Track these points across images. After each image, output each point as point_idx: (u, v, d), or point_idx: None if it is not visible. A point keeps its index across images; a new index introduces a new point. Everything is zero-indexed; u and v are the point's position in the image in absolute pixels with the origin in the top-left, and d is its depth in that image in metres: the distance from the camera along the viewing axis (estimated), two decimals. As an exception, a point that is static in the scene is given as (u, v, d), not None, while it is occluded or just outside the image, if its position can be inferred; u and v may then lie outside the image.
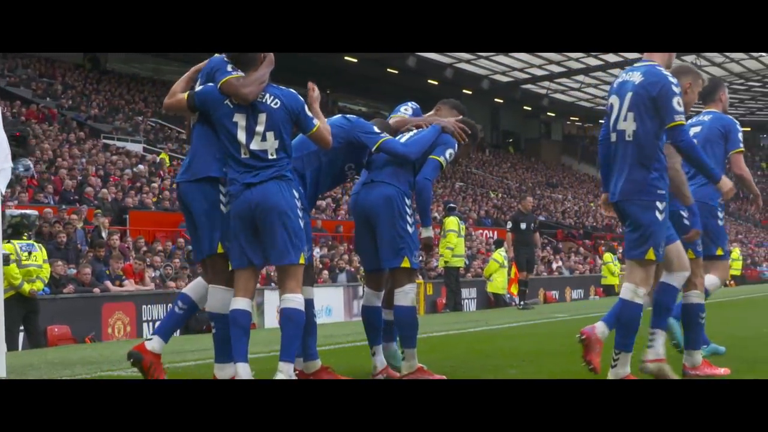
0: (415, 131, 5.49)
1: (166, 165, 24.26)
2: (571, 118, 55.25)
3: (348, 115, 5.44)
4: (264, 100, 4.74)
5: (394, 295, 5.29)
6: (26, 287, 10.94)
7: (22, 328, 11.25)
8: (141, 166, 22.57)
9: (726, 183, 5.12)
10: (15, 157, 5.97)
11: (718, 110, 5.99)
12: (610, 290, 23.34)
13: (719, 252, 5.90)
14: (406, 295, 5.22)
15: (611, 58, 38.61)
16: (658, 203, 4.65)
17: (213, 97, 4.74)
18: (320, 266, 18.41)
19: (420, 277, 17.92)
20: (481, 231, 29.26)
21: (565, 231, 35.90)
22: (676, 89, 4.66)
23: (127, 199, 19.14)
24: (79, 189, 18.58)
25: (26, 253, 11.05)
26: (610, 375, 4.71)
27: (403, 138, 5.43)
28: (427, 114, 5.77)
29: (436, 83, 38.86)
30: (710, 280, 6.00)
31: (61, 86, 29.74)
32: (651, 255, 4.67)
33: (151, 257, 15.81)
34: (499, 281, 19.97)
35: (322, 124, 4.86)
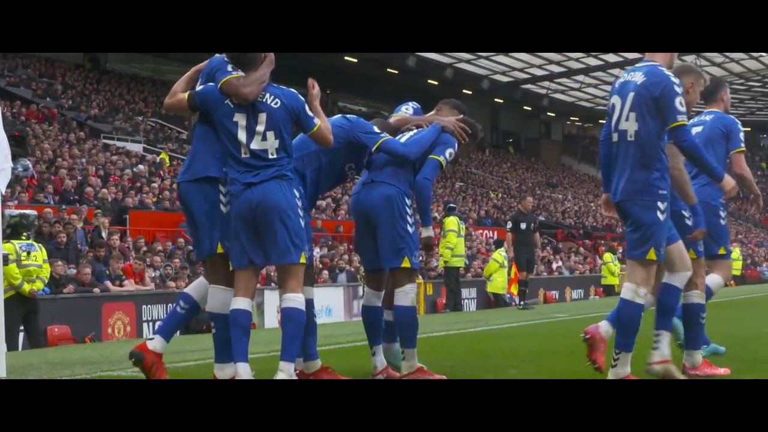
0: (415, 131, 5.49)
1: (166, 165, 24.27)
2: (571, 118, 55.26)
3: (348, 115, 5.44)
4: (264, 100, 4.74)
5: (394, 295, 5.29)
6: (26, 287, 10.95)
7: (22, 328, 11.26)
8: (141, 166, 22.58)
9: (729, 181, 5.12)
10: (14, 157, 5.96)
11: (720, 110, 5.99)
12: (610, 290, 23.35)
13: (722, 251, 5.92)
14: (407, 295, 5.22)
15: (611, 58, 38.61)
16: (659, 203, 4.66)
17: (213, 97, 4.74)
18: (320, 266, 18.41)
19: (420, 277, 17.93)
20: (481, 231, 29.26)
21: (565, 231, 35.91)
22: (679, 89, 4.66)
23: (127, 199, 19.14)
24: (79, 189, 18.58)
25: (25, 253, 11.05)
26: (611, 375, 4.71)
27: (403, 138, 5.42)
28: (428, 114, 5.77)
29: (436, 83, 38.86)
30: (713, 279, 6.00)
31: (61, 86, 29.74)
32: (652, 255, 4.67)
33: (151, 257, 15.81)
34: (499, 281, 19.97)
35: (323, 123, 4.86)
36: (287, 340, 4.65)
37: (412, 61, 35.74)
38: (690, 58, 33.49)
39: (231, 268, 4.79)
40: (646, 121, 4.67)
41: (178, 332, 5.28)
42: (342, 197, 25.62)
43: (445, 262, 17.01)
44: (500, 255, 19.65)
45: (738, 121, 5.99)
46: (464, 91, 39.32)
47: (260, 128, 4.71)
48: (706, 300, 5.88)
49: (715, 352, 6.26)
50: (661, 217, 4.66)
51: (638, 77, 4.74)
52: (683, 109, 4.65)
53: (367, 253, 5.39)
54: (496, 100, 47.50)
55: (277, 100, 4.76)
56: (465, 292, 20.15)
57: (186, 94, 4.84)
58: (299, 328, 4.69)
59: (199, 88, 4.86)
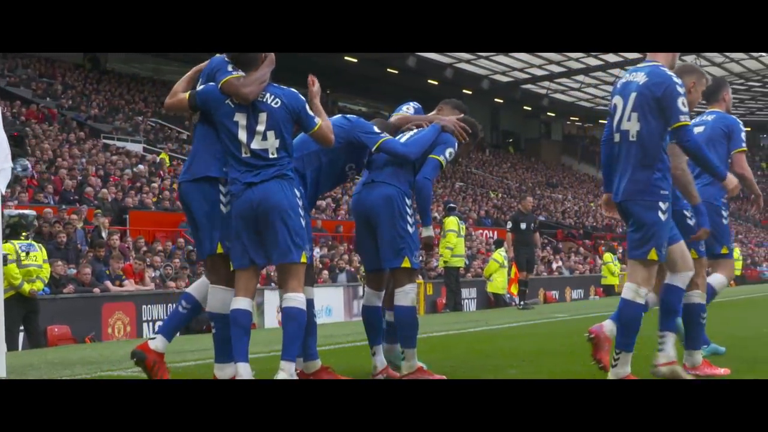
0: (415, 131, 5.50)
1: (166, 165, 24.27)
2: (571, 118, 55.27)
3: (348, 115, 5.44)
4: (265, 100, 4.74)
5: (394, 295, 5.29)
6: (26, 287, 10.95)
7: (22, 328, 11.25)
8: (141, 166, 22.58)
9: (731, 180, 5.13)
10: (13, 157, 5.97)
11: (722, 110, 6.00)
12: (610, 290, 23.35)
13: (724, 251, 5.93)
14: (407, 295, 5.22)
15: (611, 58, 38.61)
16: (660, 203, 4.66)
17: (214, 97, 4.74)
18: (320, 266, 18.41)
19: (420, 277, 17.93)
20: (481, 231, 29.26)
21: (565, 231, 35.90)
22: (681, 89, 4.67)
23: (127, 199, 19.14)
24: (79, 189, 18.59)
25: (24, 253, 11.05)
26: (611, 375, 4.71)
27: (403, 138, 5.43)
28: (429, 114, 5.77)
29: (436, 83, 38.87)
30: (716, 279, 6.01)
31: (61, 86, 29.74)
32: (653, 255, 4.67)
33: (151, 257, 15.81)
34: (499, 281, 19.96)
35: (323, 122, 4.86)
36: (288, 340, 4.65)
37: (412, 61, 35.74)
38: (690, 58, 33.48)
39: (231, 269, 4.79)
40: (648, 122, 4.67)
41: (178, 332, 5.28)
42: (342, 197, 25.62)
43: (445, 262, 17.01)
44: (500, 255, 19.65)
45: (740, 121, 6.00)
46: (464, 91, 39.33)
47: (260, 128, 4.71)
48: (710, 300, 5.90)
49: (715, 352, 6.26)
50: (662, 217, 4.66)
51: (640, 77, 4.75)
52: (685, 109, 4.66)
53: (368, 253, 5.39)
54: (496, 100, 47.50)
55: (277, 99, 4.76)
56: (465, 292, 20.15)
57: (187, 94, 4.85)
58: (300, 327, 4.69)
59: (199, 88, 4.87)
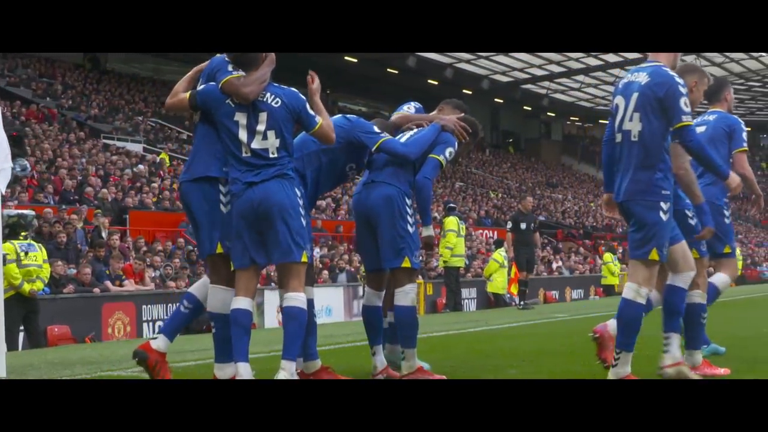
0: (415, 130, 5.50)
1: (166, 165, 24.27)
2: (571, 118, 55.26)
3: (348, 115, 5.44)
4: (265, 99, 4.74)
5: (394, 295, 5.29)
6: (26, 287, 10.95)
7: (22, 328, 11.25)
8: (141, 166, 22.58)
9: (734, 179, 5.14)
10: (12, 157, 5.97)
11: (723, 110, 6.01)
12: (610, 290, 23.36)
13: (727, 250, 5.94)
14: (407, 294, 5.22)
15: (611, 58, 38.62)
16: (662, 203, 4.66)
17: (214, 97, 4.75)
18: (320, 266, 18.41)
19: (420, 277, 17.93)
20: (481, 231, 29.26)
21: (565, 231, 35.90)
22: (683, 90, 4.67)
23: (127, 199, 19.14)
24: (79, 189, 18.59)
25: (24, 253, 11.05)
26: (611, 375, 4.71)
27: (403, 138, 5.43)
28: (430, 113, 5.77)
29: (436, 83, 38.87)
30: (720, 278, 6.01)
31: (61, 86, 29.74)
32: (654, 255, 4.67)
33: (151, 257, 15.81)
34: (499, 281, 19.96)
35: (324, 121, 4.86)
36: (289, 339, 4.65)
37: (412, 61, 35.74)
38: (690, 58, 33.48)
39: (232, 268, 4.79)
40: (650, 122, 4.67)
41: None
42: (342, 197, 25.62)
43: (445, 262, 17.01)
44: (500, 255, 19.64)
45: (741, 121, 6.01)
46: (464, 91, 39.33)
47: (261, 127, 4.71)
48: (713, 299, 5.91)
49: (715, 352, 6.26)
50: (663, 217, 4.66)
51: (642, 77, 4.75)
52: (688, 109, 4.66)
53: (368, 253, 5.39)
54: (496, 100, 47.50)
55: (277, 99, 4.76)
56: (465, 292, 20.15)
57: (187, 94, 4.85)
58: (301, 327, 4.69)
59: (200, 87, 4.87)
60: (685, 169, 5.09)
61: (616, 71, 40.06)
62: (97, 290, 13.52)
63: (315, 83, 4.94)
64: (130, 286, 14.20)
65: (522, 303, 16.51)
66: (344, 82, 40.66)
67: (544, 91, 45.87)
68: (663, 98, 4.65)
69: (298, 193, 4.77)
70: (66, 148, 21.64)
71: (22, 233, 11.10)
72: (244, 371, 4.61)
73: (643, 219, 4.68)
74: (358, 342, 7.43)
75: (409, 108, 5.80)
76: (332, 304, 17.63)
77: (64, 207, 16.76)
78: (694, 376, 5.00)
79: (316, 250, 18.95)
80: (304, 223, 4.75)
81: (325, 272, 18.81)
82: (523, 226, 16.13)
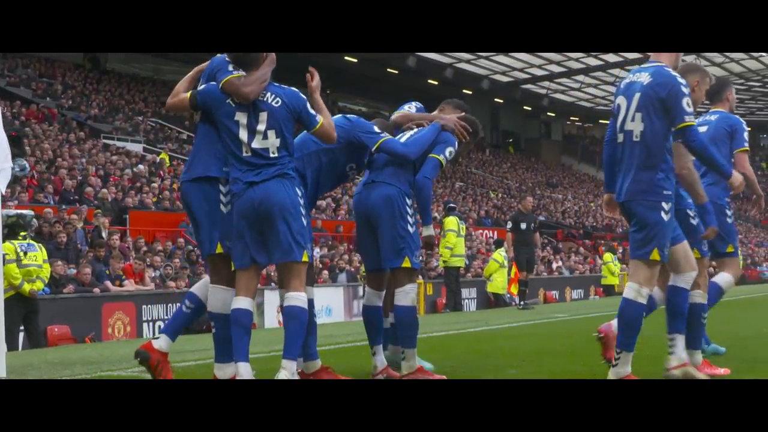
0: (415, 130, 5.50)
1: (166, 165, 24.27)
2: (571, 118, 55.26)
3: (348, 115, 5.44)
4: (265, 99, 4.74)
5: (394, 295, 5.29)
6: (26, 287, 10.95)
7: (22, 328, 11.25)
8: (141, 166, 22.58)
9: (737, 177, 5.15)
10: (12, 157, 5.97)
11: (725, 110, 6.02)
12: (610, 290, 23.37)
13: (730, 249, 5.95)
14: (407, 294, 5.22)
15: (611, 58, 38.61)
16: (663, 204, 4.66)
17: (215, 96, 4.75)
18: (320, 266, 18.41)
19: (420, 277, 17.93)
20: (481, 231, 29.26)
21: (565, 231, 35.90)
22: (686, 90, 4.68)
23: (127, 199, 19.14)
24: (79, 189, 18.59)
25: (23, 253, 11.05)
26: (611, 374, 4.71)
27: (403, 137, 5.43)
28: (431, 113, 5.76)
29: (436, 83, 38.87)
30: (724, 278, 6.02)
31: (61, 86, 29.74)
32: (655, 255, 4.67)
33: (151, 257, 15.81)
34: (499, 281, 19.96)
35: (325, 119, 4.85)
36: (290, 339, 4.64)
37: (412, 61, 35.74)
38: (690, 58, 33.47)
39: (232, 268, 4.79)
40: (652, 122, 4.68)
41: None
42: (342, 197, 25.62)
43: (444, 261, 17.00)
44: (500, 255, 19.64)
45: (743, 121, 6.03)
46: (464, 91, 39.33)
47: (261, 127, 4.71)
48: (717, 299, 5.92)
49: (715, 352, 6.26)
50: (665, 217, 4.67)
51: (644, 78, 4.75)
52: (690, 109, 4.67)
53: (368, 253, 5.39)
54: (496, 100, 47.50)
55: (278, 99, 4.76)
56: (465, 292, 20.15)
57: (188, 94, 4.85)
58: (302, 326, 4.69)
59: (200, 87, 4.87)
60: (689, 169, 5.10)
61: (616, 71, 40.05)
62: (97, 290, 13.53)
63: (315, 80, 4.93)
64: (130, 286, 14.20)
65: (522, 303, 16.51)
66: (344, 82, 40.65)
67: (544, 91, 45.87)
68: (665, 99, 4.65)
69: (299, 192, 4.77)
70: (66, 148, 21.64)
71: (21, 233, 11.10)
72: (244, 371, 4.61)
73: (645, 219, 4.68)
74: (358, 342, 7.43)
75: (410, 108, 5.80)
76: (332, 304, 17.63)
77: (64, 207, 16.76)
78: (701, 376, 4.99)
79: (316, 250, 18.95)
80: (305, 222, 4.75)
81: (325, 272, 18.81)
82: (523, 226, 16.13)
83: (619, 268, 23.59)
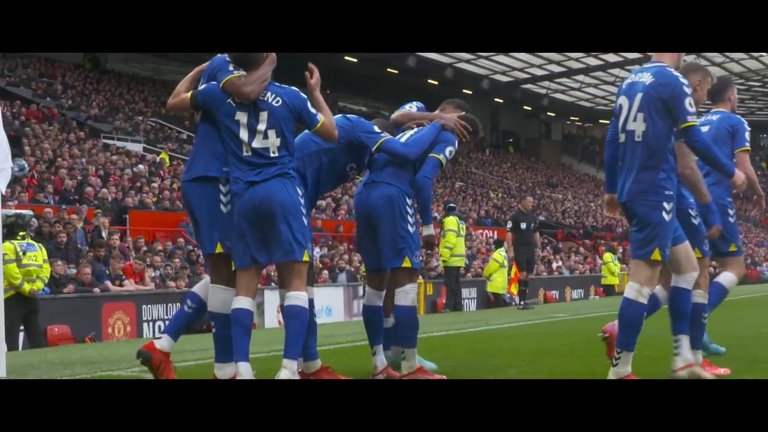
0: (415, 129, 5.50)
1: (166, 165, 24.27)
2: (571, 118, 55.25)
3: (348, 115, 5.44)
4: (266, 99, 4.74)
5: (394, 295, 5.29)
6: (26, 287, 10.95)
7: (22, 328, 11.26)
8: (141, 166, 22.58)
9: (740, 176, 5.15)
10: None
11: (727, 110, 6.03)
12: (610, 290, 23.37)
13: (732, 248, 5.96)
14: (407, 294, 5.22)
15: (611, 58, 38.60)
16: (665, 204, 4.67)
17: (215, 96, 4.75)
18: (320, 266, 18.40)
19: (420, 277, 17.92)
20: (481, 231, 29.26)
21: (565, 231, 35.90)
22: (688, 90, 4.68)
23: (127, 199, 19.14)
24: (79, 189, 18.59)
25: (23, 253, 11.05)
26: (611, 374, 4.71)
27: (403, 137, 5.43)
28: (432, 113, 5.76)
29: (436, 83, 38.86)
30: (727, 277, 6.02)
31: (61, 86, 29.74)
32: (657, 255, 4.67)
33: (151, 257, 15.81)
34: (499, 281, 19.96)
35: (326, 118, 4.85)
36: (291, 338, 4.64)
37: (412, 61, 35.73)
38: (690, 58, 33.44)
39: (233, 268, 4.79)
40: (654, 122, 4.68)
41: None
42: (342, 197, 25.62)
43: (444, 261, 17.00)
44: (500, 255, 19.64)
45: (744, 121, 6.03)
46: (464, 91, 39.31)
47: (261, 127, 4.71)
48: (721, 299, 5.92)
49: (715, 353, 6.26)
50: (666, 217, 4.67)
51: (646, 78, 4.75)
52: (693, 109, 4.67)
53: (369, 253, 5.39)
54: (496, 100, 47.49)
55: (278, 98, 4.76)
56: (465, 292, 20.15)
57: (188, 94, 4.85)
58: (303, 326, 4.69)
59: (201, 87, 4.87)
60: (692, 168, 5.11)
61: (616, 71, 40.04)
62: (97, 290, 13.53)
63: (314, 77, 4.92)
64: (130, 286, 14.20)
65: (522, 303, 16.51)
66: (344, 82, 40.65)
67: (544, 91, 45.86)
68: (668, 99, 4.65)
69: (300, 192, 4.77)
70: (66, 148, 21.64)
71: (20, 233, 11.10)
72: (244, 371, 4.61)
73: (646, 219, 4.68)
74: (358, 342, 7.44)
75: (411, 107, 5.80)
76: (332, 304, 17.63)
77: (64, 207, 16.76)
78: (708, 376, 4.99)
79: (316, 250, 18.94)
80: (305, 222, 4.75)
81: (325, 272, 18.81)
82: (523, 225, 16.13)
83: (619, 268, 23.59)
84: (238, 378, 4.63)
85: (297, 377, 4.70)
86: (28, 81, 28.61)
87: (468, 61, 38.88)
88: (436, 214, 23.14)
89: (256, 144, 4.70)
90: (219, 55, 4.88)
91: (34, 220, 13.73)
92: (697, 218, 5.29)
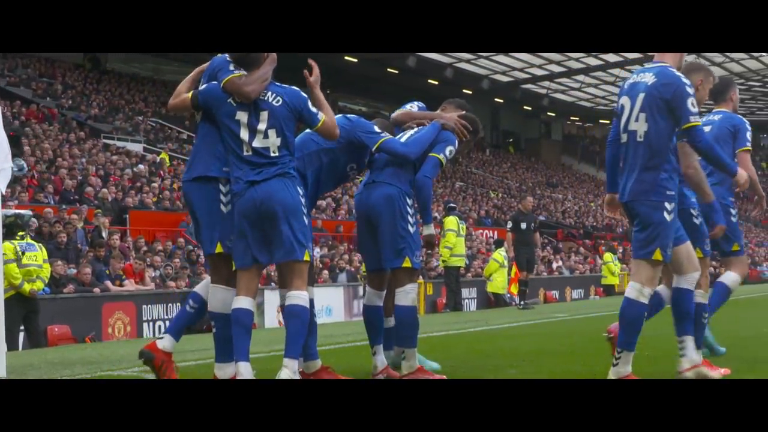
0: (415, 129, 5.50)
1: (166, 165, 24.27)
2: (571, 118, 55.24)
3: (349, 115, 5.44)
4: (266, 98, 4.74)
5: (394, 295, 5.29)
6: (26, 287, 10.95)
7: (22, 328, 11.26)
8: (141, 166, 22.58)
9: (742, 175, 5.15)
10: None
11: (729, 110, 6.03)
12: (610, 290, 23.37)
13: (735, 248, 5.97)
14: (407, 294, 5.22)
15: (611, 58, 38.59)
16: (666, 204, 4.67)
17: (216, 96, 4.75)
18: (320, 266, 18.40)
19: (420, 277, 17.92)
20: (481, 231, 29.26)
21: (565, 231, 35.89)
22: (690, 90, 4.68)
23: (127, 199, 19.14)
24: (79, 189, 18.59)
25: (23, 253, 11.05)
26: (611, 374, 4.71)
27: (404, 137, 5.43)
28: (433, 112, 5.76)
29: (436, 83, 38.86)
30: (730, 277, 6.02)
31: (61, 86, 29.73)
32: (658, 255, 4.67)
33: (151, 257, 15.81)
34: (499, 281, 19.96)
35: (327, 116, 4.85)
36: (291, 337, 4.64)
37: (412, 61, 35.73)
38: (690, 58, 33.42)
39: (233, 268, 4.79)
40: (656, 122, 4.68)
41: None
42: (342, 197, 25.62)
43: (444, 261, 17.00)
44: (500, 255, 19.64)
45: (746, 121, 6.04)
46: (464, 91, 39.26)
47: (262, 126, 4.71)
48: (725, 299, 5.92)
49: (716, 353, 6.25)
50: (668, 217, 4.67)
51: (648, 78, 4.75)
52: (695, 109, 4.67)
53: (369, 253, 5.39)
54: (496, 100, 47.48)
55: (279, 98, 4.76)
56: (465, 292, 20.15)
57: (189, 94, 4.86)
58: (303, 325, 4.69)
59: (201, 87, 4.87)
60: (695, 168, 5.11)
61: (616, 71, 40.04)
62: (97, 290, 13.53)
63: (314, 75, 4.91)
64: (130, 286, 14.20)
65: (522, 303, 16.51)
66: (344, 82, 40.64)
67: (544, 91, 45.86)
68: (670, 99, 4.65)
69: (300, 191, 4.78)
70: (66, 148, 21.63)
71: (20, 233, 11.10)
72: (244, 371, 4.61)
73: (648, 219, 4.68)
74: (358, 342, 7.44)
75: (412, 107, 5.80)
76: (332, 304, 17.63)
77: (64, 207, 16.76)
78: (714, 376, 4.98)
79: (316, 250, 18.94)
80: (306, 222, 4.75)
81: (325, 272, 18.81)
82: (523, 225, 16.12)
83: (619, 268, 23.59)
84: (238, 378, 4.63)
85: (298, 377, 4.70)
86: (28, 81, 28.60)
87: (468, 61, 38.87)
88: (436, 214, 23.14)
89: (256, 144, 4.70)
90: (219, 55, 4.88)
91: (33, 219, 13.74)
92: (699, 218, 5.29)
